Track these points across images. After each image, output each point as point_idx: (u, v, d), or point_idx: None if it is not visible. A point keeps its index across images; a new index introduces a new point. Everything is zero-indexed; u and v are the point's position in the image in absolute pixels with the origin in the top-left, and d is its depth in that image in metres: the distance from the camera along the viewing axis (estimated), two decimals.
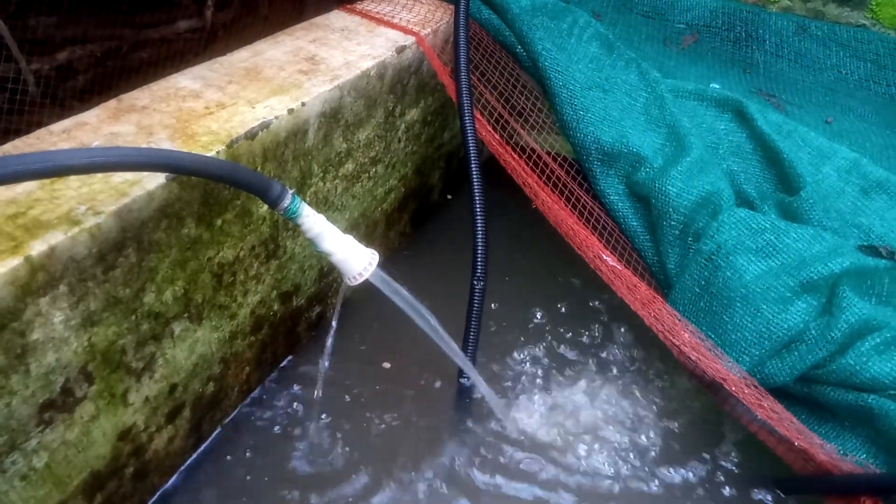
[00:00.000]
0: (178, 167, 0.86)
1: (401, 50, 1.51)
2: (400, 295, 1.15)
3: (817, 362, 1.26)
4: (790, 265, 1.34)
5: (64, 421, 0.94)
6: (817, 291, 1.31)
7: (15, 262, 0.78)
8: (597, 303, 1.71)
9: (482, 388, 1.39)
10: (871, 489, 1.19)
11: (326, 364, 1.44)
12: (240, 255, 1.20)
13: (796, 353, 1.27)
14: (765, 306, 1.29)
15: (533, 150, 1.59)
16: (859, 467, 1.21)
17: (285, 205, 0.97)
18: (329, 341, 1.37)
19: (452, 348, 1.28)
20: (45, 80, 1.42)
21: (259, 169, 1.16)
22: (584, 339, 1.63)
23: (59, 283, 0.85)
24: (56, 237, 0.83)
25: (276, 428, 1.37)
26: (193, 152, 0.99)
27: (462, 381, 1.48)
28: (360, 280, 1.06)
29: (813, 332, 1.27)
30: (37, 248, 0.81)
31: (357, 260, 1.06)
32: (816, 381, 1.28)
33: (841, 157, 1.56)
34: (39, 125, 1.04)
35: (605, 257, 1.44)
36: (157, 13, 1.63)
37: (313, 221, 1.02)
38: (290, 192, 0.98)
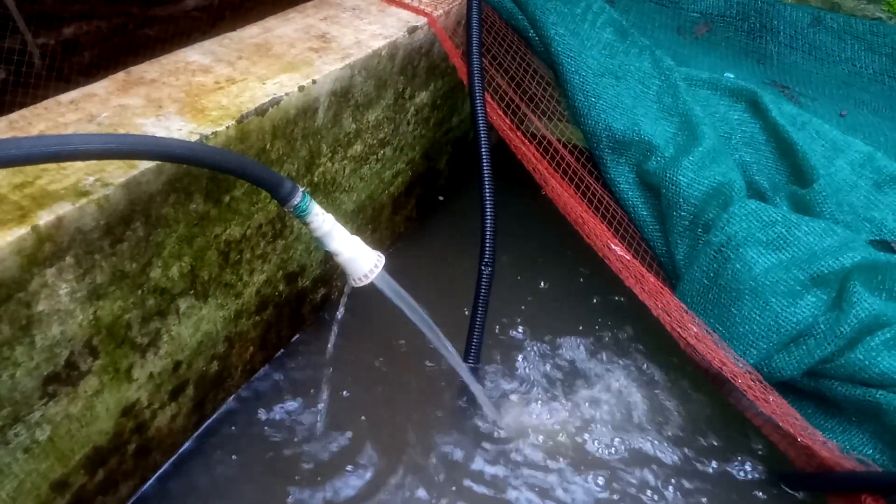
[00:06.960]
0: (192, 158, 0.86)
1: (412, 30, 1.48)
2: (404, 300, 1.16)
3: (826, 357, 1.25)
4: (800, 259, 1.32)
5: (68, 395, 0.93)
6: (827, 286, 1.30)
7: (22, 231, 0.77)
8: (602, 293, 1.70)
9: (476, 392, 1.38)
10: (873, 487, 1.18)
11: (332, 347, 1.43)
12: (247, 233, 1.19)
13: (804, 348, 1.26)
14: (774, 300, 1.28)
15: (543, 137, 1.57)
16: (861, 465, 1.20)
17: (295, 202, 0.97)
18: (335, 326, 1.36)
19: (452, 355, 1.29)
20: (51, 54, 1.41)
21: (268, 146, 1.15)
22: (592, 330, 1.63)
23: (66, 255, 0.84)
24: (64, 207, 0.81)
25: (279, 410, 1.36)
26: (208, 144, 0.98)
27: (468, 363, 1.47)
28: (366, 282, 1.08)
29: (822, 326, 1.26)
30: (44, 218, 0.79)
31: (363, 261, 1.07)
32: (824, 376, 1.27)
33: (855, 151, 1.55)
34: (44, 99, 1.03)
35: (613, 247, 1.43)
36: None
37: (322, 220, 1.02)
38: (301, 189, 0.98)
